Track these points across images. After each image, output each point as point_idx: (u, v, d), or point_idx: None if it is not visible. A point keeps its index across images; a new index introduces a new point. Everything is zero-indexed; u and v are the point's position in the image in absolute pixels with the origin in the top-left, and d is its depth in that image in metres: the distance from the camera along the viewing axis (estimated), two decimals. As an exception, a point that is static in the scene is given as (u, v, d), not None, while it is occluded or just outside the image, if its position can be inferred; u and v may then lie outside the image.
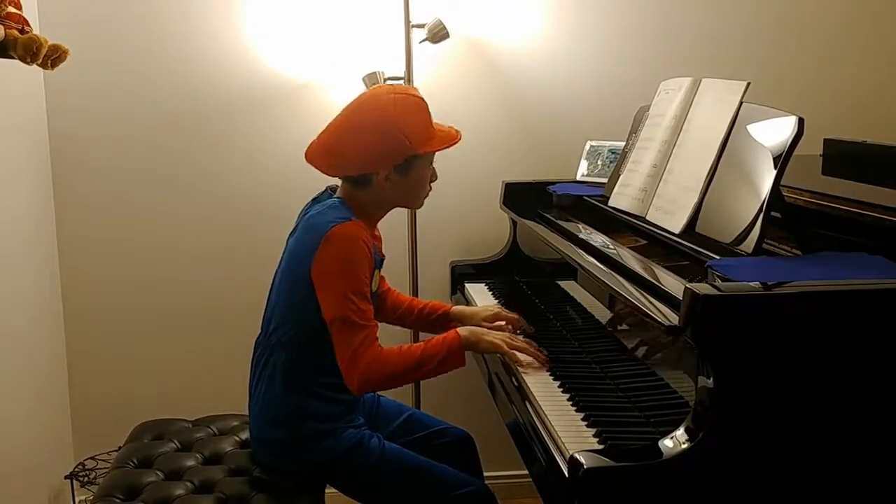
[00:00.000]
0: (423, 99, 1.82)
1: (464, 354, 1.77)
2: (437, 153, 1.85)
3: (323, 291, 1.71)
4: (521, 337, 1.85)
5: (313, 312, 1.73)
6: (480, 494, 1.84)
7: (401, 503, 1.82)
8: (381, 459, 1.80)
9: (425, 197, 1.91)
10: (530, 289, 2.36)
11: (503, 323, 1.97)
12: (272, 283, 1.87)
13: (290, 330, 1.78)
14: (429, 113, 1.82)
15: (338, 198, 1.83)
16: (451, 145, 1.84)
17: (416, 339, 2.53)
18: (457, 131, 1.86)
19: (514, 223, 2.53)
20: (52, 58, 1.72)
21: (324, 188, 1.92)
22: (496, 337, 1.80)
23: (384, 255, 1.92)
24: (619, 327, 1.74)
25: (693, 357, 1.26)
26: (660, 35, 2.67)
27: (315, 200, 1.88)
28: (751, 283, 1.26)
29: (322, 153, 1.81)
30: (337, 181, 1.88)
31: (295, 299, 1.77)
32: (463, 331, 1.79)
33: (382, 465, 1.80)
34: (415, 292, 2.58)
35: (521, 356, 1.78)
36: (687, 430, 1.22)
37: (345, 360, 1.70)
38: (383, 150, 1.76)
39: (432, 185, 1.90)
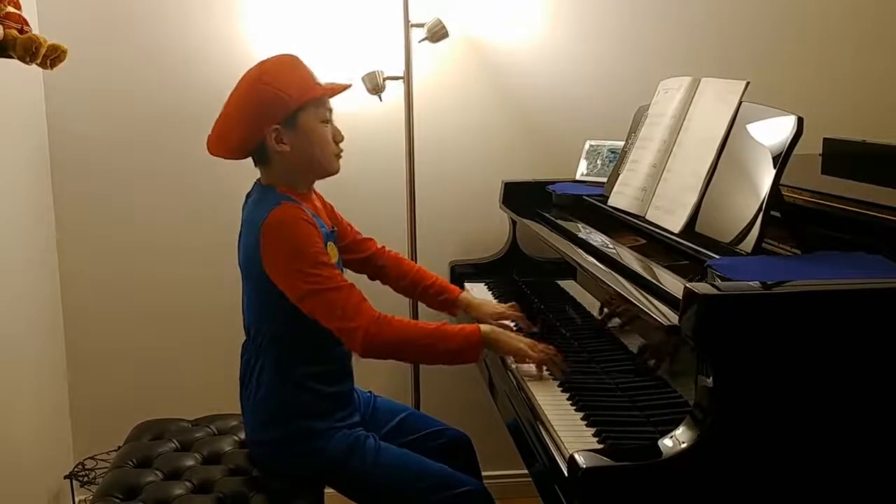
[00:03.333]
0: (295, 57, 1.79)
1: (480, 350, 1.74)
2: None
3: (282, 279, 1.70)
4: (541, 345, 1.78)
5: (282, 306, 1.72)
6: (477, 494, 1.83)
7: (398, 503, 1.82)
8: (377, 460, 1.79)
9: (337, 157, 1.84)
10: (530, 288, 2.36)
11: (509, 323, 1.97)
12: (241, 290, 1.86)
13: (267, 327, 1.78)
14: (304, 68, 1.79)
15: (262, 185, 1.83)
16: (336, 92, 1.81)
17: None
18: (347, 84, 1.81)
19: (514, 223, 2.53)
20: (52, 58, 1.72)
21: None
22: (521, 342, 1.76)
23: (335, 228, 1.89)
24: (618, 327, 1.74)
25: (692, 357, 1.26)
26: (660, 35, 2.67)
27: (247, 198, 1.87)
28: (750, 283, 1.26)
29: (216, 140, 1.81)
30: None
31: (261, 299, 1.77)
32: (485, 328, 1.76)
33: (378, 466, 1.79)
34: (414, 292, 2.57)
35: (527, 369, 1.76)
36: (686, 430, 1.22)
37: (336, 325, 1.68)
38: (259, 110, 1.73)
39: (341, 145, 1.84)
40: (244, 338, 1.86)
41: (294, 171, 1.80)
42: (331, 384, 1.82)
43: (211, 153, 1.83)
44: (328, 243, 1.78)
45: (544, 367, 1.74)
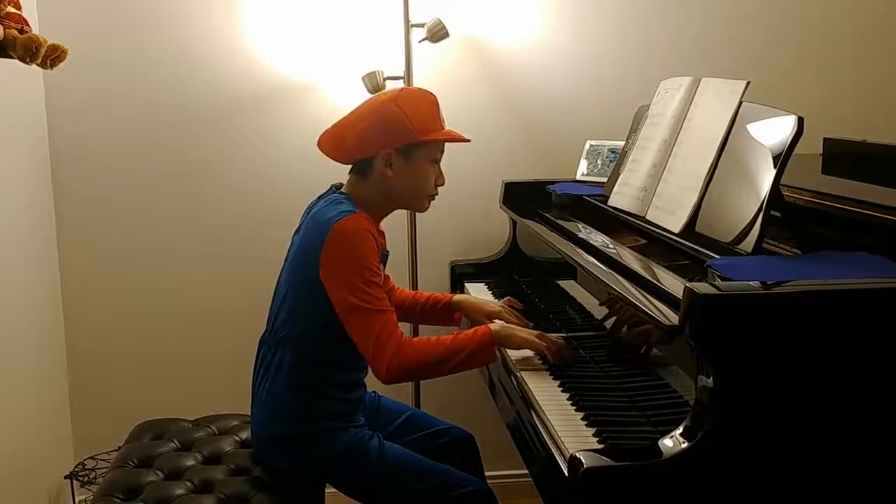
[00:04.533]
0: (433, 94, 1.84)
1: (495, 349, 1.77)
2: (443, 157, 1.86)
3: (333, 286, 1.71)
4: (552, 335, 1.83)
5: (322, 309, 1.73)
6: (481, 494, 1.83)
7: (401, 503, 1.82)
8: (380, 459, 1.80)
9: (430, 199, 1.89)
10: (530, 288, 2.36)
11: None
12: (278, 281, 1.88)
13: (298, 326, 1.79)
14: (437, 108, 1.83)
15: (342, 193, 1.84)
16: (457, 140, 1.84)
17: (415, 334, 2.53)
18: (468, 139, 1.86)
19: (514, 223, 2.53)
20: (52, 58, 1.72)
21: (328, 186, 1.92)
22: (530, 334, 1.79)
23: (388, 252, 1.93)
24: (618, 327, 1.74)
25: (693, 356, 1.26)
26: (660, 35, 2.67)
27: (320, 198, 1.89)
28: (750, 283, 1.26)
29: (329, 137, 1.84)
30: (342, 179, 1.89)
31: (303, 296, 1.78)
32: (494, 326, 1.80)
33: (382, 466, 1.80)
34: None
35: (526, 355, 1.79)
36: (686, 430, 1.22)
37: (369, 350, 1.70)
38: (384, 129, 1.77)
39: (438, 189, 1.88)
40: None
41: (385, 197, 1.84)
42: (344, 391, 1.83)
43: (320, 148, 1.85)
44: (381, 265, 1.80)
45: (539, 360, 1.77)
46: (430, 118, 1.81)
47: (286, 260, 1.86)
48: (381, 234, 1.87)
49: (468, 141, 1.86)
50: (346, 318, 1.71)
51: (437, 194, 1.89)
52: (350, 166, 1.86)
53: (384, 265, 1.87)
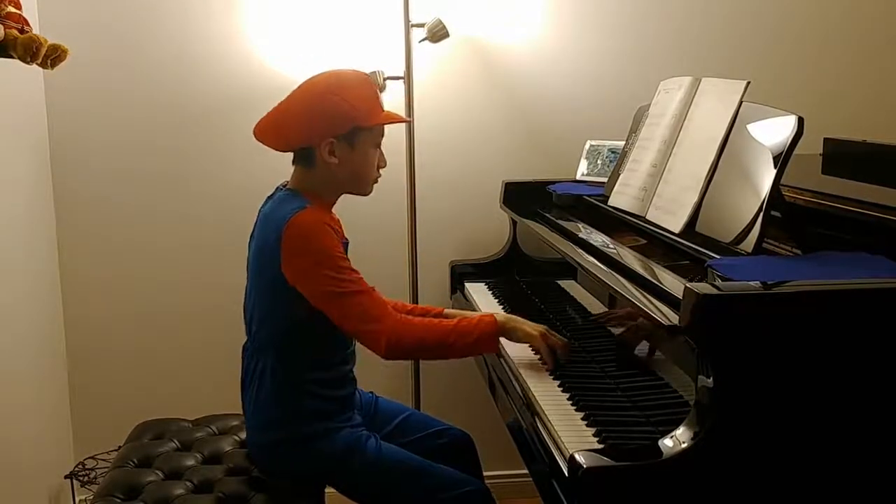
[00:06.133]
0: (368, 75, 1.82)
1: (497, 339, 1.77)
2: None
3: (302, 282, 1.70)
4: (556, 337, 1.81)
5: (293, 308, 1.72)
6: (478, 494, 1.83)
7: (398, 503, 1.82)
8: (378, 460, 1.79)
9: (374, 182, 1.87)
10: (530, 288, 2.36)
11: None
12: (246, 289, 1.86)
13: (273, 330, 1.77)
14: (375, 91, 1.81)
15: (288, 189, 1.82)
16: (398, 122, 1.84)
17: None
18: (408, 119, 1.84)
19: (514, 223, 2.53)
20: (52, 57, 1.72)
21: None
22: (535, 329, 1.79)
23: (348, 239, 1.89)
24: (618, 327, 1.74)
25: (693, 356, 1.26)
26: (660, 35, 2.67)
27: (268, 199, 1.87)
28: (751, 283, 1.26)
29: (268, 127, 1.81)
30: (288, 178, 1.87)
31: (271, 298, 1.76)
32: (500, 316, 1.79)
33: (379, 466, 1.79)
34: (414, 292, 2.58)
35: (526, 356, 1.79)
36: (687, 430, 1.22)
37: (361, 330, 1.69)
38: (325, 117, 1.74)
39: (381, 171, 1.86)
40: (245, 338, 1.86)
41: (331, 183, 1.81)
42: (332, 389, 1.81)
43: (256, 138, 1.82)
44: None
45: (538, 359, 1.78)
46: (370, 103, 1.78)
47: (247, 267, 1.84)
48: (336, 221, 1.84)
49: (408, 121, 1.84)
50: (328, 308, 1.69)
51: (379, 178, 1.87)
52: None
53: (345, 253, 1.84)
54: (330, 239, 1.70)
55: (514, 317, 1.84)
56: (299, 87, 1.80)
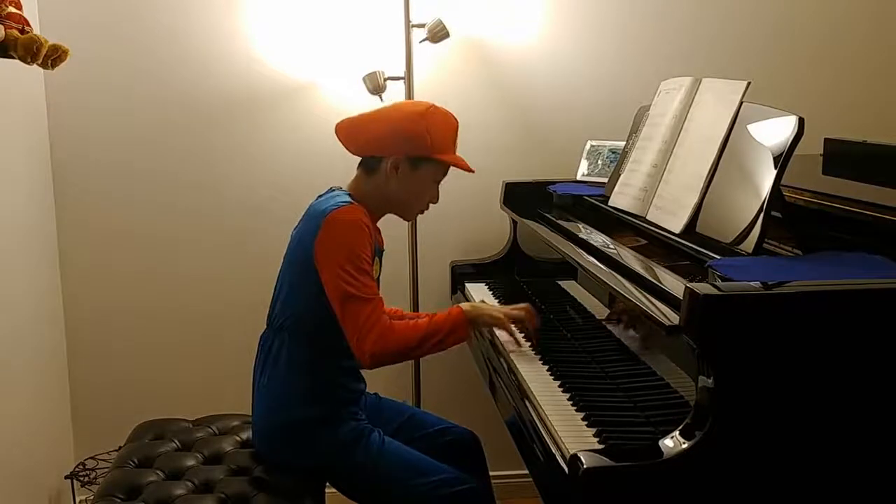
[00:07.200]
0: (456, 120, 1.91)
1: (467, 328, 1.85)
2: (445, 179, 1.93)
3: (325, 271, 1.76)
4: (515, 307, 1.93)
5: (317, 297, 1.77)
6: (478, 492, 1.84)
7: (399, 500, 1.82)
8: (380, 454, 1.81)
9: (419, 213, 1.97)
10: (530, 288, 2.36)
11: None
12: (278, 276, 1.91)
13: (295, 314, 1.83)
14: (456, 133, 1.91)
15: (341, 189, 1.90)
16: (464, 169, 1.91)
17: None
18: (472, 170, 1.92)
19: (515, 223, 2.53)
20: (53, 58, 1.72)
21: (327, 186, 1.95)
22: (499, 311, 1.90)
23: (384, 249, 1.96)
24: (619, 327, 1.74)
25: (693, 357, 1.26)
26: (660, 35, 2.67)
27: (319, 197, 1.92)
28: (751, 283, 1.26)
29: (351, 127, 1.90)
30: (341, 177, 1.93)
31: (299, 284, 1.82)
32: (465, 305, 1.87)
33: (381, 459, 1.81)
34: (415, 292, 2.58)
35: (507, 337, 1.90)
36: (687, 430, 1.22)
37: (354, 336, 1.75)
38: (405, 135, 1.84)
39: (430, 206, 1.96)
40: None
41: (382, 195, 1.89)
42: (347, 379, 1.86)
43: (336, 133, 1.91)
44: (375, 258, 1.84)
45: (523, 337, 1.90)
46: (449, 141, 1.89)
47: (285, 255, 1.90)
48: (377, 230, 1.91)
49: (472, 171, 1.92)
50: (336, 304, 1.75)
51: (426, 210, 1.97)
52: (357, 161, 1.92)
53: (379, 260, 1.91)
54: (364, 238, 1.78)
55: (478, 304, 1.94)
56: (395, 104, 1.97)
